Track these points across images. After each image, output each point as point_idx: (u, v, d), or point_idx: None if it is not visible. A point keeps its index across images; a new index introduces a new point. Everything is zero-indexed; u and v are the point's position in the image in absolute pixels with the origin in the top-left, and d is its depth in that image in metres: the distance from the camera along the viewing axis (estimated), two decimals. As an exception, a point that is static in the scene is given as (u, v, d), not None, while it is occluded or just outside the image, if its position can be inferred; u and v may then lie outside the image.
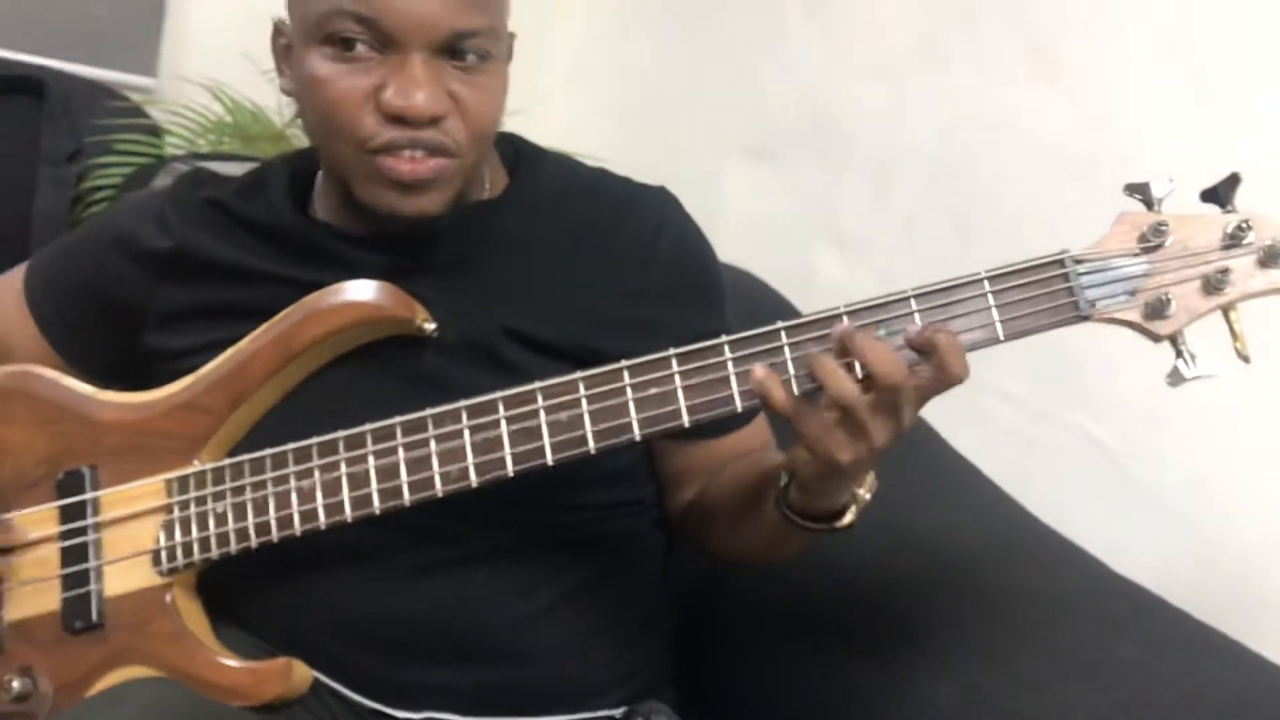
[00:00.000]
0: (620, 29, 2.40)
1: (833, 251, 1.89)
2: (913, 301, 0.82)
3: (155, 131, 2.16)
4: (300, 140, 2.24)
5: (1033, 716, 0.94)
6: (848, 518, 0.89)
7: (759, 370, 0.81)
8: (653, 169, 1.14)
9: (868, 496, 0.89)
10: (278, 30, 0.99)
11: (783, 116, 2.00)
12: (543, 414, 0.88)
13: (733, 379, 0.84)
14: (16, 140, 2.09)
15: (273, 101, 2.27)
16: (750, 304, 1.50)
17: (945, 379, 0.79)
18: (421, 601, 0.97)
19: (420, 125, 0.89)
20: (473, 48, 0.90)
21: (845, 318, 0.83)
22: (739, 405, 0.84)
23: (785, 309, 1.52)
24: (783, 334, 0.84)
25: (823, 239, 1.90)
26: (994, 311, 0.81)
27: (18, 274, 1.14)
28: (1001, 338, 0.81)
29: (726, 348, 0.85)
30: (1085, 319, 0.81)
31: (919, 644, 1.05)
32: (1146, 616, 1.01)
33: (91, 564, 0.97)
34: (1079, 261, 0.81)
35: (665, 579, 1.13)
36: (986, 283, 0.81)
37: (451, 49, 0.90)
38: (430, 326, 0.97)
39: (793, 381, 0.83)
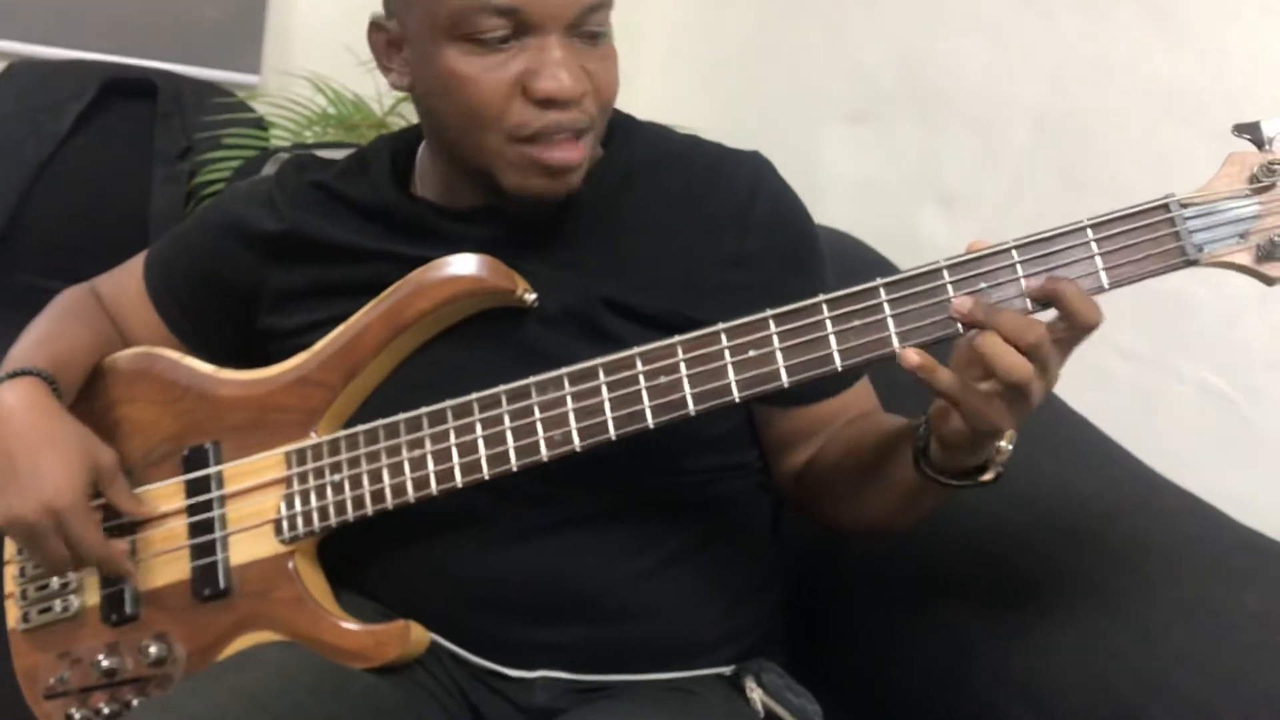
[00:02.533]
0: (714, 1, 2.40)
1: (938, 211, 1.86)
2: (1014, 253, 0.81)
3: (261, 125, 2.23)
4: (401, 125, 2.29)
5: (1154, 666, 0.92)
6: (991, 471, 0.88)
7: (913, 355, 0.81)
8: (752, 138, 1.14)
9: (1009, 448, 0.87)
10: (375, 26, 1.00)
11: (881, 78, 1.97)
12: (642, 378, 0.89)
13: (832, 339, 0.84)
14: (132, 141, 2.17)
15: (372, 91, 2.33)
16: (851, 266, 1.48)
17: (1079, 324, 0.78)
18: (531, 563, 0.99)
19: (567, 107, 0.91)
20: (596, 22, 0.92)
21: (946, 272, 0.82)
22: (839, 365, 0.84)
23: (887, 269, 1.50)
24: (881, 291, 0.84)
25: (927, 199, 1.87)
26: (1098, 260, 0.80)
27: (137, 263, 1.19)
28: (1106, 286, 0.79)
29: (824, 307, 0.85)
30: (1193, 264, 0.79)
31: (1038, 599, 1.04)
32: (1272, 565, 0.98)
33: (218, 534, 1.02)
34: (1185, 205, 0.79)
35: (774, 542, 1.14)
36: (1089, 230, 0.80)
37: (579, 26, 0.91)
38: (531, 297, 0.99)
39: (892, 338, 0.82)
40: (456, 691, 1.01)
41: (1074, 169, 1.54)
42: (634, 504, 1.00)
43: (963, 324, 0.81)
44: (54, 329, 1.11)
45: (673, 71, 2.35)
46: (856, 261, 1.57)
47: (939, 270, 0.83)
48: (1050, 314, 0.80)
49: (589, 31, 0.93)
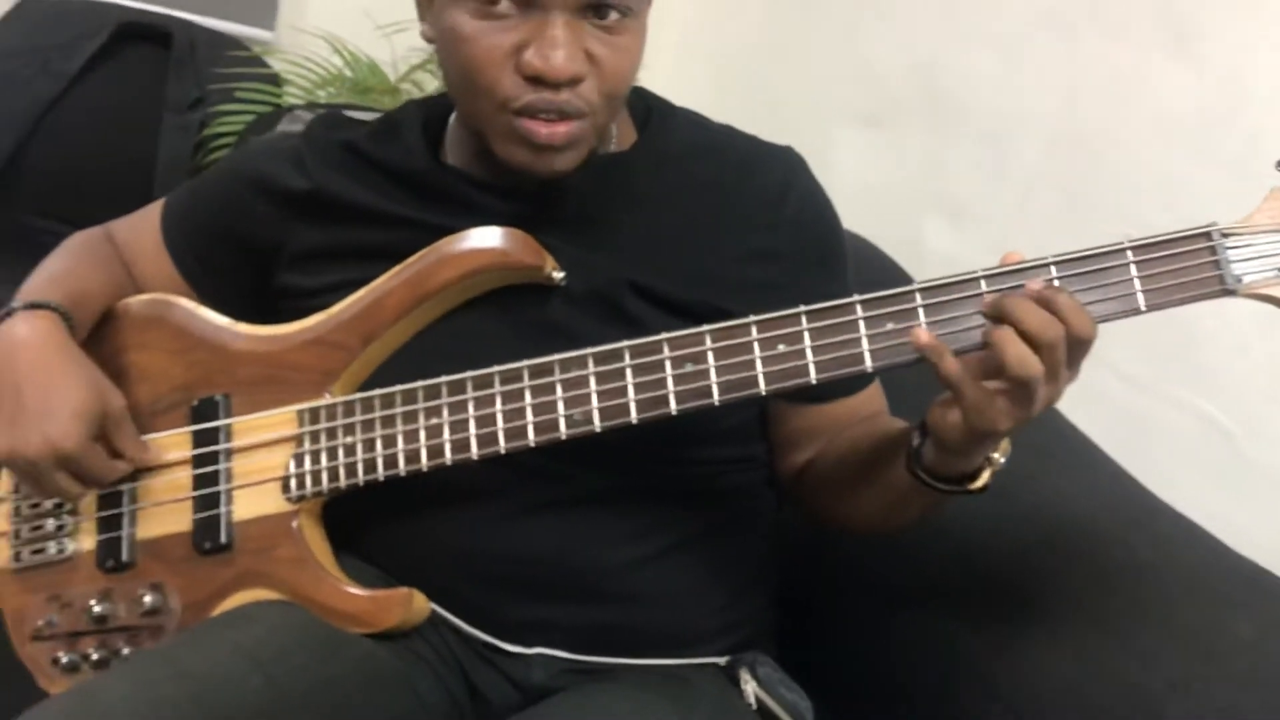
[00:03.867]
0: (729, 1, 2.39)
1: (944, 221, 1.87)
2: (1053, 269, 0.81)
3: (275, 81, 2.21)
4: (413, 94, 2.27)
5: (1147, 689, 0.94)
6: (982, 479, 0.89)
7: (924, 335, 0.81)
8: (762, 135, 1.13)
9: (1002, 460, 0.88)
10: None
11: (894, 84, 1.98)
12: (668, 364, 0.89)
13: (864, 339, 0.85)
14: (143, 87, 2.15)
15: (387, 56, 2.31)
16: (862, 269, 1.49)
17: (1074, 335, 0.78)
18: (534, 540, 0.98)
19: (557, 87, 0.90)
20: (615, 5, 0.91)
21: (984, 282, 0.83)
22: (869, 365, 0.85)
23: (898, 275, 1.51)
24: (917, 296, 0.84)
25: (934, 208, 1.88)
26: (1136, 282, 0.80)
27: (154, 210, 1.17)
28: (1143, 308, 0.80)
29: (858, 307, 0.85)
30: (1231, 294, 0.79)
31: (1032, 613, 1.04)
32: (1265, 597, 0.99)
33: (222, 487, 1.01)
34: (1226, 235, 0.80)
35: (773, 537, 1.14)
36: (1130, 252, 0.80)
37: (593, 7, 0.90)
38: (558, 275, 0.98)
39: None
40: (454, 664, 1.01)
41: (1082, 189, 1.55)
42: (641, 489, 1.00)
43: (986, 314, 0.81)
44: (68, 267, 1.10)
45: (683, 66, 2.35)
46: (867, 264, 1.57)
47: (976, 279, 0.83)
48: None
49: (603, 13, 0.91)
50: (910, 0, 1.91)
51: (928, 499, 0.92)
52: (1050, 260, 0.82)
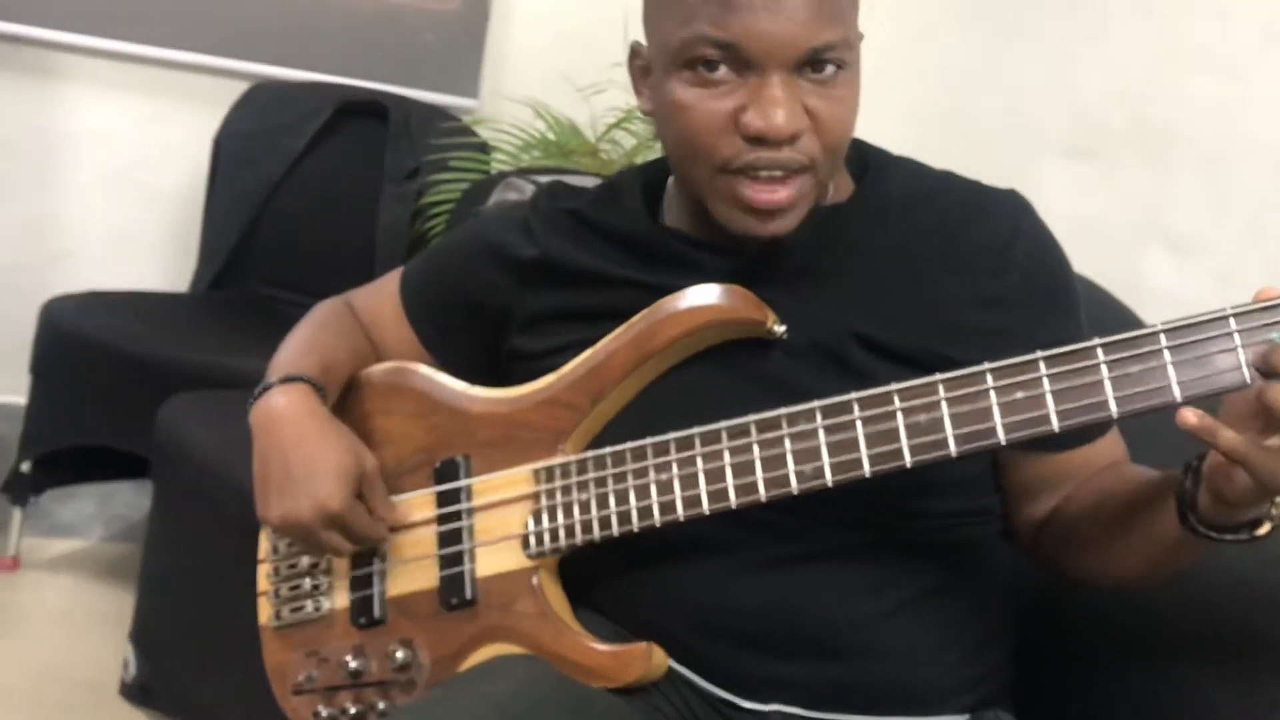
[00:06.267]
0: (922, 29, 2.37)
1: (1164, 254, 1.80)
2: (1315, 303, 0.77)
3: (484, 149, 2.31)
4: (612, 153, 2.34)
5: None
6: (1266, 526, 0.84)
7: (1192, 417, 0.78)
8: (962, 171, 1.11)
9: None
10: (634, 52, 1.03)
11: (1104, 114, 1.92)
12: (900, 415, 0.88)
13: (1107, 384, 0.82)
14: (363, 160, 2.29)
15: (585, 117, 2.39)
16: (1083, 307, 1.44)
17: None
18: (769, 595, 0.98)
19: (779, 145, 0.92)
20: (830, 60, 0.92)
21: (1233, 320, 0.79)
22: (1114, 411, 0.82)
23: (1122, 313, 1.46)
24: (1161, 337, 0.81)
25: (1152, 241, 1.81)
26: None
27: (392, 279, 1.24)
28: None
29: (1100, 351, 0.82)
30: None
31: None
32: None
33: (465, 545, 1.05)
34: None
35: (1008, 591, 1.11)
36: None
37: (809, 64, 0.92)
38: (780, 329, 0.99)
39: (1173, 388, 0.80)
40: (691, 719, 1.01)
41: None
42: (874, 543, 0.99)
43: (1258, 368, 0.77)
44: (316, 339, 1.17)
45: (876, 98, 2.33)
46: (1087, 302, 1.52)
47: (1225, 318, 0.80)
48: None
49: (819, 68, 0.92)
50: (1122, 27, 1.86)
51: (1198, 550, 0.88)
52: (1312, 295, 0.77)
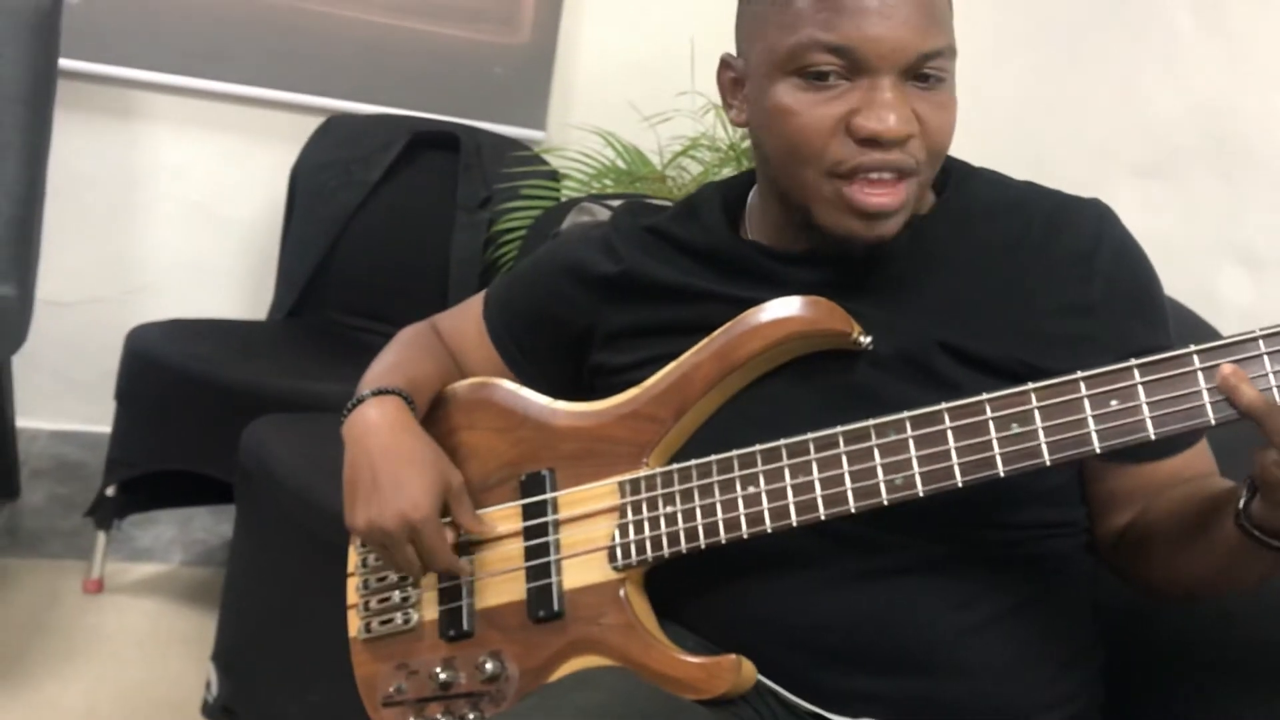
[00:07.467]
0: (990, 49, 2.37)
1: (1240, 273, 1.78)
2: None
3: (554, 177, 2.34)
4: (679, 180, 2.36)
5: None
6: None
7: (1226, 367, 0.79)
8: None
9: None
10: (725, 64, 1.05)
11: (1175, 131, 1.91)
12: (992, 425, 0.89)
13: (1204, 391, 0.82)
14: (436, 190, 2.34)
15: (652, 145, 2.42)
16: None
17: None
18: (855, 609, 0.98)
19: (889, 147, 0.93)
20: (934, 68, 0.94)
21: (1334, 324, 0.79)
22: (1211, 419, 0.81)
23: (1202, 328, 1.44)
24: (1260, 343, 0.80)
25: (1228, 259, 1.79)
26: None
27: (475, 302, 1.26)
28: None
29: (1195, 358, 0.82)
30: None
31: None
32: None
33: (552, 558, 1.06)
34: None
35: (1095, 606, 1.10)
36: None
37: (915, 70, 0.93)
38: (865, 340, 0.99)
39: (1275, 393, 0.79)
40: (780, 731, 1.01)
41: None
42: (961, 556, 0.99)
43: None
44: (404, 357, 1.19)
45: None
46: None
47: (1325, 324, 0.79)
48: None
49: (925, 76, 0.94)
50: (1193, 43, 1.85)
51: (1264, 560, 0.87)
52: None
